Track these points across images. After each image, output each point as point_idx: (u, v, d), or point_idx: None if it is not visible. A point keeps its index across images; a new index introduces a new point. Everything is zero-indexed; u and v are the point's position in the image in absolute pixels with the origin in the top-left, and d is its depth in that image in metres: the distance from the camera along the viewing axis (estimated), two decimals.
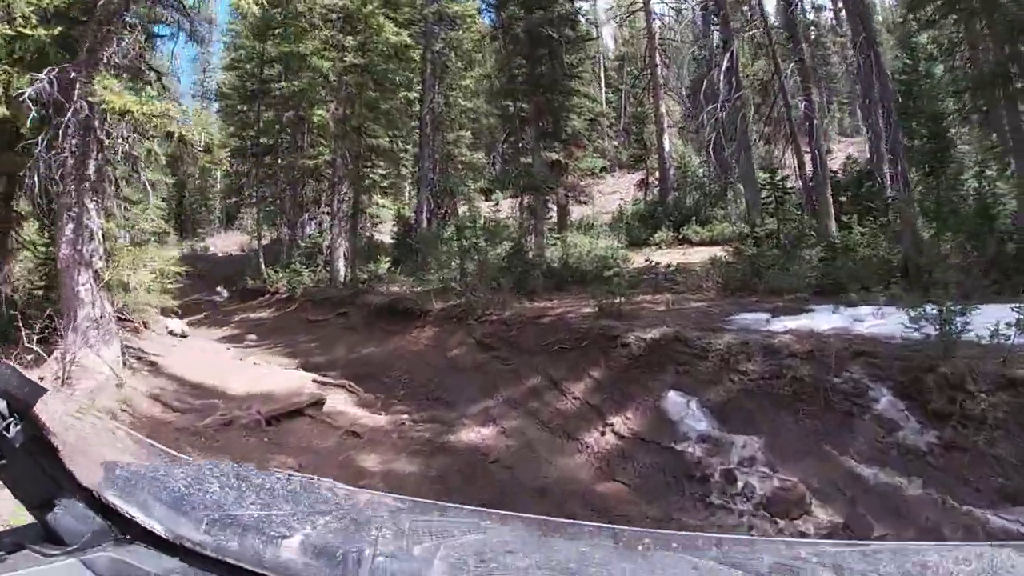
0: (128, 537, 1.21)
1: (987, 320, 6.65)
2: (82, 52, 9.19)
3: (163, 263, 9.73)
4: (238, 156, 27.61)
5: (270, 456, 7.55)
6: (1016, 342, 6.18)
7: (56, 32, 8.77)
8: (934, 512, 5.30)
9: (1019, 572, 0.96)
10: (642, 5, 25.99)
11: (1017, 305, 6.43)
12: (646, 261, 13.75)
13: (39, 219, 11.19)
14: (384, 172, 23.40)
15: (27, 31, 8.30)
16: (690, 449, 6.72)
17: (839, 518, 5.61)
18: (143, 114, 8.08)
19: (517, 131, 18.79)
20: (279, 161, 25.07)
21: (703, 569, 1.05)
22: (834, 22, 33.45)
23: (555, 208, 19.19)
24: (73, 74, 8.76)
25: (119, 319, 12.23)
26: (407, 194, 29.12)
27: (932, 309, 6.69)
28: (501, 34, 18.91)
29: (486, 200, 22.86)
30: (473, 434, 8.44)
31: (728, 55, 14.51)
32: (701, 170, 23.96)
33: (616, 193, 28.49)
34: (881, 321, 8.05)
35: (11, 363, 1.17)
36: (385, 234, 24.64)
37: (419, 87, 22.42)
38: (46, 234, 11.90)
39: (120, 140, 8.53)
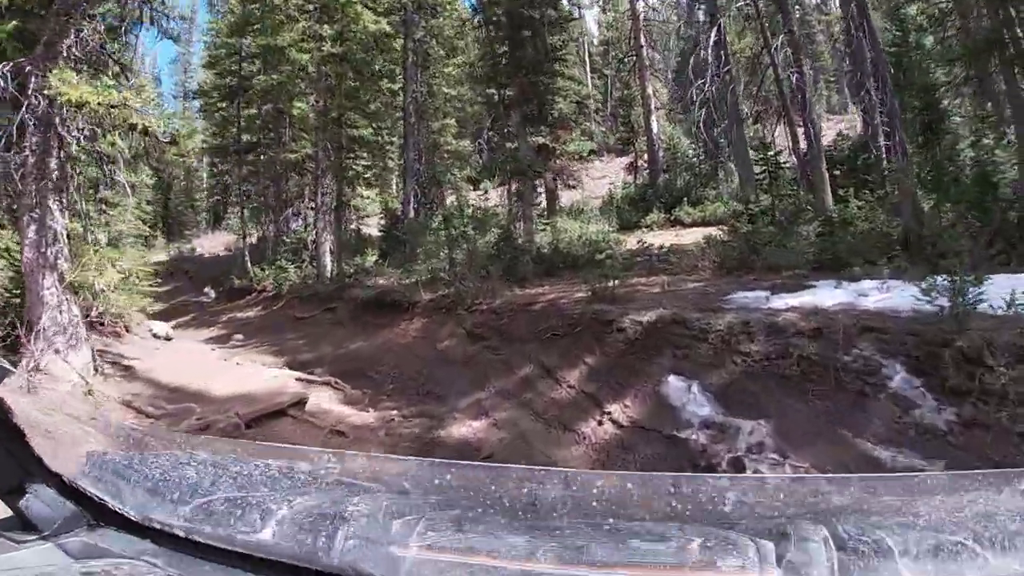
0: (100, 523, 1.21)
1: (999, 291, 6.36)
2: (40, 45, 8.72)
3: (133, 263, 9.21)
4: (221, 154, 27.36)
5: None
6: None
7: (11, 27, 8.32)
8: None
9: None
10: None
11: None
12: (638, 243, 13.46)
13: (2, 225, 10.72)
14: (368, 163, 23.06)
15: None
16: (694, 436, 6.35)
17: None
18: (99, 104, 7.59)
19: (502, 116, 18.40)
20: (261, 157, 24.68)
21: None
22: (819, 1, 33.25)
23: (544, 194, 18.84)
24: (28, 67, 8.29)
25: (100, 324, 11.85)
26: (395, 186, 28.76)
27: (943, 280, 6.36)
28: (482, 18, 18.47)
29: (474, 189, 22.55)
30: (464, 428, 8.06)
31: (716, 28, 14.09)
32: (691, 150, 23.65)
33: (605, 178, 28.08)
34: (887, 295, 7.74)
35: None
36: (373, 227, 24.34)
37: (401, 77, 22.00)
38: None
39: (76, 133, 8.03)
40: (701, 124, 16.39)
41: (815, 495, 1.20)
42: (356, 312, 14.10)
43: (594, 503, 1.16)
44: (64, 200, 8.77)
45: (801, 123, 13.60)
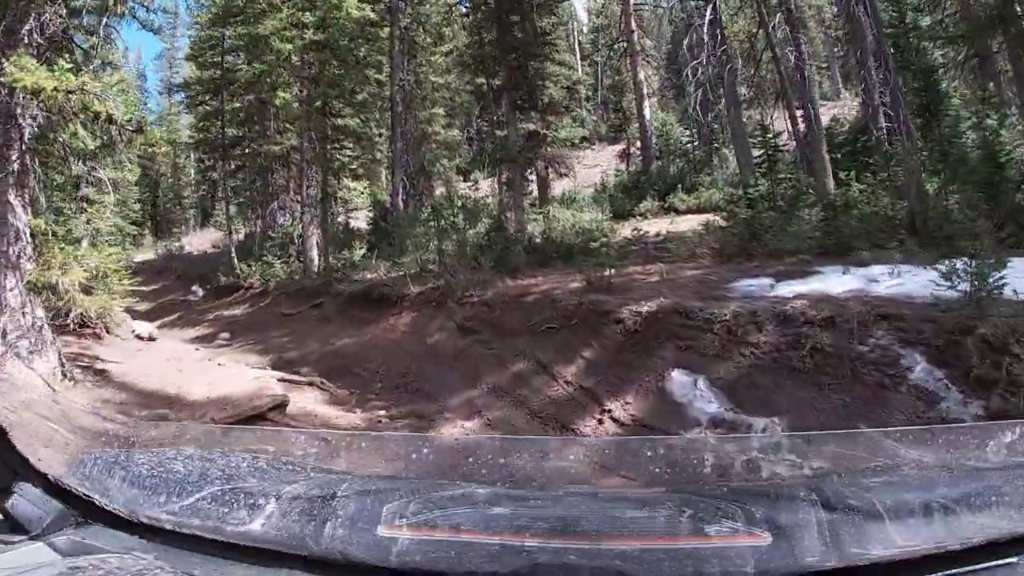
0: (88, 520, 1.19)
1: (1017, 274, 5.99)
2: None
3: (101, 261, 8.70)
4: (207, 149, 26.91)
5: None
6: None
7: None
8: None
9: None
10: None
11: None
12: (633, 232, 13.11)
13: None
14: (354, 154, 22.60)
15: None
16: (702, 435, 5.95)
17: None
18: (55, 90, 7.06)
19: (491, 104, 17.92)
20: (246, 151, 24.19)
21: None
22: None
23: (535, 182, 18.41)
24: None
25: (78, 326, 11.36)
26: (384, 179, 28.29)
27: (963, 264, 5.97)
28: (470, 2, 18.02)
29: (464, 180, 22.14)
30: (456, 428, 7.65)
31: (711, 7, 13.62)
32: (685, 136, 23.25)
33: (598, 166, 27.66)
34: (898, 280, 7.38)
35: None
36: (362, 220, 23.93)
37: (388, 66, 21.52)
38: None
39: (31, 121, 7.50)
40: (698, 106, 15.94)
41: (802, 455, 1.21)
42: (343, 307, 13.73)
43: (573, 470, 1.18)
44: (26, 195, 8.24)
45: (800, 105, 13.18)
